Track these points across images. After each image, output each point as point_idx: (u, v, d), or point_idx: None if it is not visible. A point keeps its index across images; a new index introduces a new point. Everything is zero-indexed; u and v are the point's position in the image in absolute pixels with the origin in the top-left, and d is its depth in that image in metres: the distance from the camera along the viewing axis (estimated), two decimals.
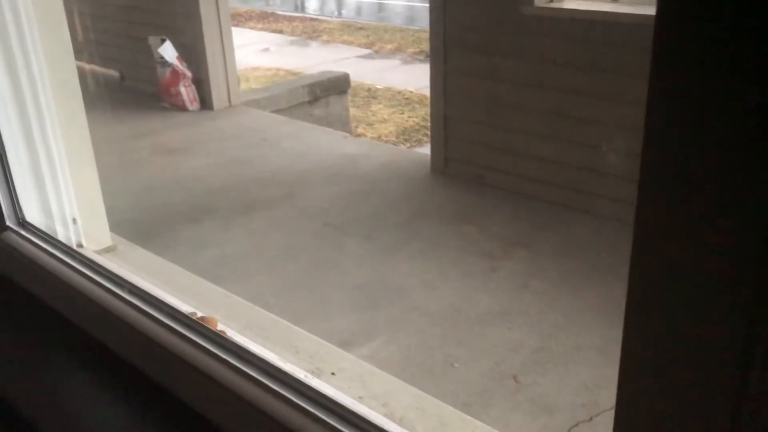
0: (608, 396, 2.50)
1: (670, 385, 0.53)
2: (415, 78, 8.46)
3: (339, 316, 3.10)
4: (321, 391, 1.00)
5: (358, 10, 13.79)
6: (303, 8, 14.27)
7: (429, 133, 5.10)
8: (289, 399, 1.00)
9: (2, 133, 1.46)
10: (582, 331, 2.91)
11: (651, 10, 0.46)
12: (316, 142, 5.22)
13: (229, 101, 5.98)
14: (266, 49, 10.63)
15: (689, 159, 0.46)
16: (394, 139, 7.01)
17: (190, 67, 5.87)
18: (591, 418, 2.45)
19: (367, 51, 10.39)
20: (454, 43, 4.29)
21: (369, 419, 0.96)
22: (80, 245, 1.55)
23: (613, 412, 0.58)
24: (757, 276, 0.45)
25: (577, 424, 2.43)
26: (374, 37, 10.98)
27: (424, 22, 7.39)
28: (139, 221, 3.92)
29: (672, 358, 0.52)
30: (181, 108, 5.86)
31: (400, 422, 1.11)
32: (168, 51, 5.80)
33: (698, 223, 0.47)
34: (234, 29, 6.22)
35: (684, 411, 0.53)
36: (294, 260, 3.56)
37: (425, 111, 6.82)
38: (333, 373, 1.35)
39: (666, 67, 0.46)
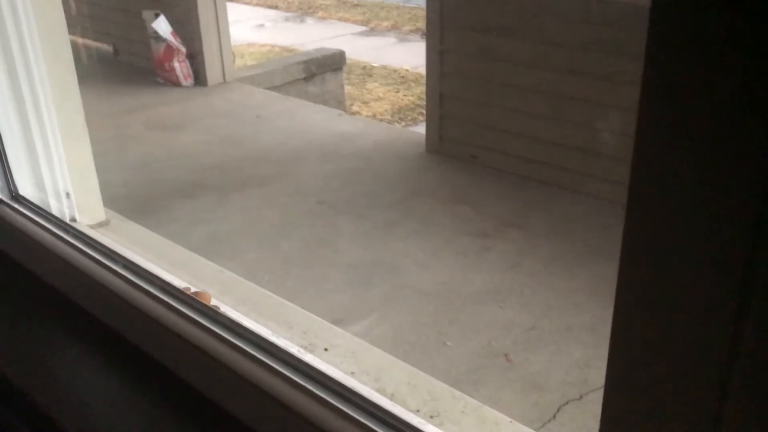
0: (598, 375, 2.52)
1: (659, 367, 0.53)
2: (410, 56, 8.42)
3: (332, 293, 3.11)
4: (314, 366, 1.01)
5: None
6: None
7: (424, 111, 5.08)
8: (281, 373, 1.01)
9: None
10: (574, 310, 2.93)
11: None
12: (311, 120, 5.21)
13: (224, 77, 5.95)
14: (261, 25, 10.55)
15: (683, 150, 0.47)
16: (389, 117, 6.99)
17: (184, 42, 5.82)
18: (581, 397, 2.48)
19: (362, 28, 10.32)
20: (451, 21, 4.26)
21: (361, 393, 0.97)
22: (74, 219, 1.55)
23: (602, 390, 0.59)
24: (746, 268, 0.46)
25: (567, 402, 2.46)
26: (370, 14, 10.90)
27: None
28: (132, 197, 3.91)
29: (661, 342, 0.53)
30: (175, 83, 5.83)
31: (392, 397, 1.13)
32: (162, 26, 5.75)
33: (690, 214, 0.48)
34: (229, 4, 6.16)
35: (672, 393, 0.53)
36: (288, 238, 3.57)
37: (421, 89, 6.80)
38: (326, 349, 1.36)
39: (661, 52, 0.46)
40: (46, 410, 1.13)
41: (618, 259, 0.53)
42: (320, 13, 11.30)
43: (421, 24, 8.52)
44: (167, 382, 1.14)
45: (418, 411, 1.13)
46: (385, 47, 9.37)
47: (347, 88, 7.06)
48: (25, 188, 1.52)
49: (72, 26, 1.95)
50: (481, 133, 4.34)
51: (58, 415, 1.12)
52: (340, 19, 10.86)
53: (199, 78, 5.90)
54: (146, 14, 5.82)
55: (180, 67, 5.80)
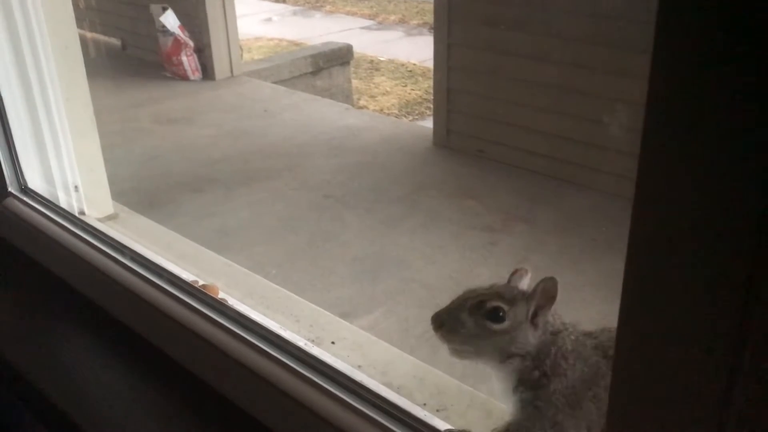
0: None
1: (664, 361, 0.53)
2: (418, 50, 8.40)
3: (339, 287, 3.12)
4: (321, 359, 1.02)
5: None
6: None
7: (431, 106, 5.07)
8: (289, 366, 1.01)
9: (5, 101, 1.46)
10: (580, 305, 2.92)
11: None
12: (318, 114, 5.20)
13: (231, 71, 5.95)
14: (269, 19, 10.54)
15: (689, 145, 0.47)
16: (396, 111, 6.98)
17: (192, 36, 5.83)
18: None
19: (370, 22, 10.30)
20: (459, 14, 4.25)
21: (368, 387, 0.98)
22: (82, 212, 1.56)
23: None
24: (752, 261, 0.46)
25: None
26: (378, 8, 10.88)
27: None
28: (140, 190, 3.92)
29: (667, 336, 0.53)
30: (183, 77, 5.83)
31: (398, 391, 1.13)
32: (170, 20, 5.75)
33: (697, 208, 0.48)
34: None
35: (678, 386, 0.53)
36: (295, 231, 3.57)
37: (428, 84, 6.78)
38: (333, 342, 1.36)
39: (668, 47, 0.46)
40: (54, 400, 1.14)
41: (625, 254, 0.53)
42: (327, 7, 11.28)
43: (429, 18, 8.50)
44: (174, 373, 1.15)
45: (424, 404, 1.14)
46: (393, 41, 9.36)
47: (354, 82, 7.05)
48: (34, 181, 1.52)
49: (80, 20, 1.96)
50: (488, 127, 4.33)
51: (65, 405, 1.13)
52: (347, 13, 10.84)
53: (207, 72, 5.90)
54: (154, 8, 5.83)
55: (188, 61, 5.80)
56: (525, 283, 0.95)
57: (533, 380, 0.90)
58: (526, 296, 0.92)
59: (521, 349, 0.90)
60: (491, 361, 0.92)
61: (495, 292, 0.92)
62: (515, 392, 0.91)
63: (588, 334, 0.93)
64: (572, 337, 0.92)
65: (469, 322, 0.91)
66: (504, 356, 0.91)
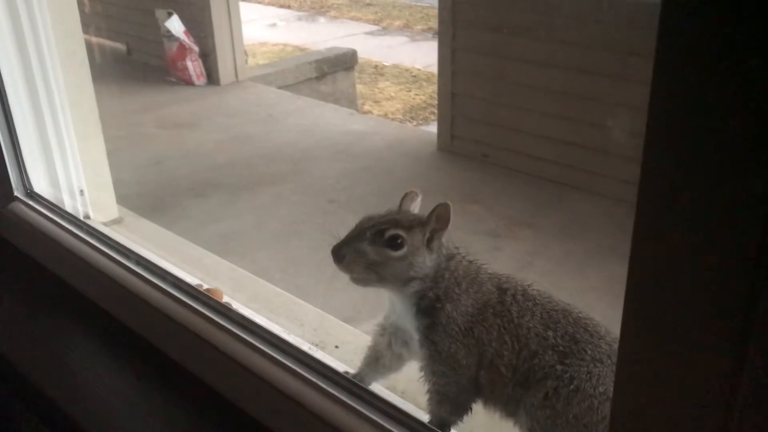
0: None
1: (668, 365, 0.53)
2: (422, 55, 8.40)
3: (343, 291, 3.11)
4: (325, 363, 1.02)
5: None
6: None
7: (436, 111, 5.08)
8: (293, 369, 1.01)
9: (11, 106, 1.47)
10: (584, 310, 2.91)
11: None
12: (323, 119, 5.21)
13: (236, 76, 5.97)
14: (273, 24, 10.56)
15: (691, 148, 0.47)
16: (400, 116, 6.98)
17: (197, 41, 5.84)
18: None
19: (374, 27, 10.31)
20: (463, 19, 4.26)
21: (372, 391, 0.98)
22: (87, 216, 1.57)
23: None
24: (754, 266, 0.46)
25: None
26: (382, 13, 10.89)
27: None
28: (145, 194, 3.93)
29: (670, 342, 0.53)
30: (188, 82, 5.85)
31: (402, 395, 1.13)
32: (175, 25, 5.77)
33: (700, 213, 0.48)
34: (241, 3, 6.18)
35: (680, 391, 0.53)
36: (299, 236, 3.57)
37: (432, 89, 6.78)
38: (336, 346, 1.36)
39: (669, 62, 0.46)
40: (58, 403, 1.14)
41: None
42: (332, 12, 11.30)
43: (433, 23, 8.50)
44: (177, 376, 1.15)
45: None
46: (397, 46, 9.36)
47: (359, 87, 7.06)
48: (40, 185, 1.53)
49: (86, 25, 1.97)
50: (492, 132, 4.33)
51: (69, 408, 1.13)
52: (352, 18, 10.85)
53: (212, 77, 5.92)
54: (159, 13, 5.85)
55: (193, 66, 5.82)
56: (416, 206, 0.99)
57: (430, 304, 0.94)
58: (422, 222, 0.95)
59: (419, 272, 0.95)
60: (393, 286, 0.97)
61: (392, 220, 0.96)
62: (415, 319, 0.96)
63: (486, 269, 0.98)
64: (465, 262, 0.97)
65: (370, 252, 0.96)
66: (404, 280, 0.95)
